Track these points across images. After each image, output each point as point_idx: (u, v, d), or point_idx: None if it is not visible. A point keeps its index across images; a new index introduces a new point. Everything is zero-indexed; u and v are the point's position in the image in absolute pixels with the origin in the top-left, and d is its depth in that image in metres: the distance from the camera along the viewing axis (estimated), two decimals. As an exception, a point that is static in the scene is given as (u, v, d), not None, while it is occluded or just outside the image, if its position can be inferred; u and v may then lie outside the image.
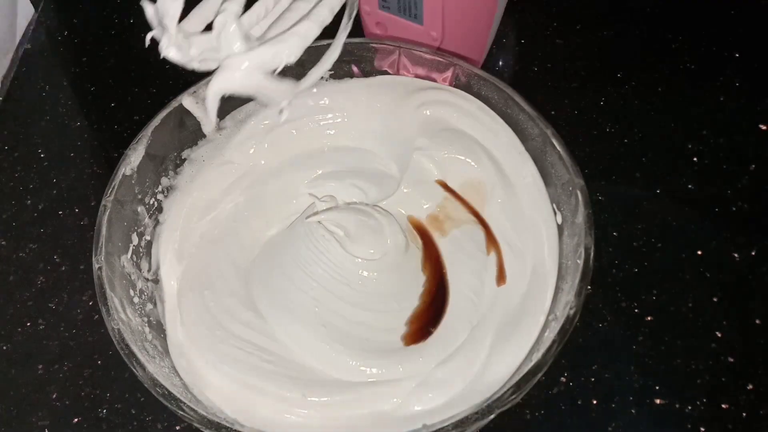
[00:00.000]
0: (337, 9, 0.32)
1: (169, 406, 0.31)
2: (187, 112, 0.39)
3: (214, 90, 0.29)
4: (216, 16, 0.30)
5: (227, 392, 0.34)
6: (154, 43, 0.30)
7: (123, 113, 0.49)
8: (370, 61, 0.41)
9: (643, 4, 0.52)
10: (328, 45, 0.33)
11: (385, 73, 0.42)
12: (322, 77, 0.31)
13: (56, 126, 0.49)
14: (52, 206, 0.45)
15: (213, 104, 0.29)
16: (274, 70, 0.30)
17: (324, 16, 0.32)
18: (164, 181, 0.40)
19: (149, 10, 0.29)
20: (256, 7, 0.31)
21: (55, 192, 0.45)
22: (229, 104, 0.41)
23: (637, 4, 0.52)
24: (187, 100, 0.39)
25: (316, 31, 0.31)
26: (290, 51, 0.30)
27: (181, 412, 0.31)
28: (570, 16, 0.52)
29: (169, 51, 0.29)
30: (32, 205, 0.45)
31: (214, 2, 0.30)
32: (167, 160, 0.40)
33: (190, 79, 0.35)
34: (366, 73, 0.42)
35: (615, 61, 0.49)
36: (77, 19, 0.55)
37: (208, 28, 0.30)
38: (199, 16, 0.30)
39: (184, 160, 0.40)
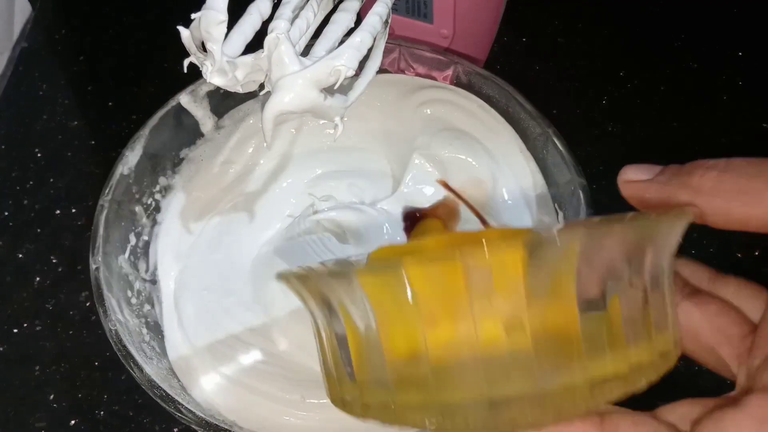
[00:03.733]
0: (385, 16, 0.32)
1: (167, 407, 0.31)
2: (186, 112, 0.39)
3: (272, 112, 0.28)
4: (255, 32, 0.29)
5: (225, 394, 0.34)
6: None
7: (121, 112, 0.48)
8: (370, 59, 0.41)
9: (645, 2, 0.52)
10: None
11: (386, 71, 0.41)
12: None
13: (54, 125, 0.48)
14: (49, 206, 0.45)
15: (270, 126, 0.29)
16: (332, 86, 0.29)
17: (375, 25, 0.31)
18: (162, 180, 0.39)
19: (185, 34, 0.28)
20: (298, 22, 0.30)
21: (52, 192, 0.45)
22: (228, 103, 0.41)
23: (638, 3, 0.52)
24: (185, 99, 0.38)
25: (370, 41, 0.30)
26: (347, 65, 0.29)
27: (179, 414, 0.30)
28: (572, 14, 0.51)
29: (214, 77, 0.28)
30: (29, 205, 0.45)
31: (254, 20, 0.30)
32: (165, 160, 0.39)
33: (189, 78, 0.35)
34: (366, 72, 0.41)
35: (617, 60, 0.49)
36: (75, 18, 0.54)
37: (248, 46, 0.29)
38: (239, 35, 0.29)
39: (183, 159, 0.40)
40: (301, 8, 0.31)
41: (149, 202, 0.39)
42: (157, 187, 0.39)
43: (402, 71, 0.41)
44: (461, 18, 0.41)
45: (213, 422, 0.30)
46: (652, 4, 0.52)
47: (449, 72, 0.40)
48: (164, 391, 0.31)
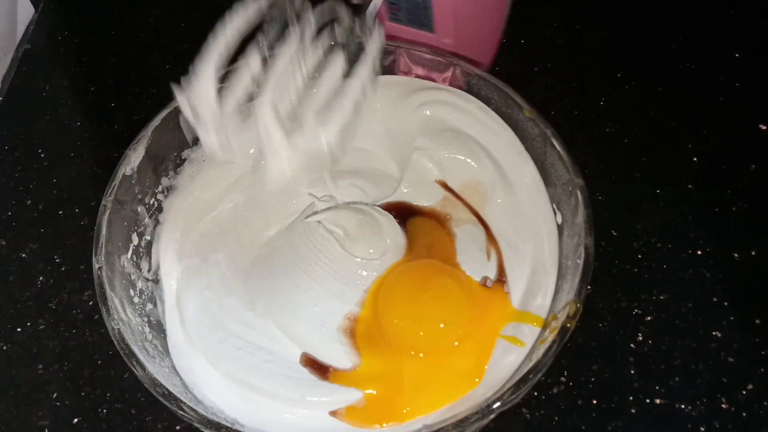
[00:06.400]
0: (368, 86, 0.35)
1: (169, 405, 0.31)
2: (188, 112, 0.39)
3: (275, 184, 0.34)
4: (247, 94, 0.34)
5: (227, 392, 0.34)
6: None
7: (123, 113, 0.48)
8: (370, 61, 0.41)
9: (644, 3, 0.52)
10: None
11: (386, 73, 0.42)
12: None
13: (56, 126, 0.49)
14: (52, 206, 0.45)
15: (280, 188, 0.34)
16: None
17: (358, 97, 0.34)
18: (164, 181, 0.40)
19: (181, 98, 0.32)
20: (285, 90, 0.34)
21: (55, 192, 0.45)
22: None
23: (637, 4, 0.52)
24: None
25: (354, 115, 0.34)
26: (328, 140, 0.33)
27: (181, 412, 0.31)
28: (570, 15, 0.52)
29: (216, 155, 0.34)
30: (32, 205, 0.45)
31: (245, 82, 0.33)
32: (167, 160, 0.40)
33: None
34: (366, 73, 0.42)
35: (615, 61, 0.49)
36: (77, 19, 0.55)
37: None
38: (231, 99, 0.33)
39: (184, 160, 0.40)
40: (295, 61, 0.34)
41: (151, 202, 0.39)
42: (160, 188, 0.39)
43: (401, 73, 0.42)
44: (461, 27, 0.41)
45: (214, 420, 0.30)
46: (650, 5, 0.52)
47: (448, 74, 0.40)
48: (166, 389, 0.31)
